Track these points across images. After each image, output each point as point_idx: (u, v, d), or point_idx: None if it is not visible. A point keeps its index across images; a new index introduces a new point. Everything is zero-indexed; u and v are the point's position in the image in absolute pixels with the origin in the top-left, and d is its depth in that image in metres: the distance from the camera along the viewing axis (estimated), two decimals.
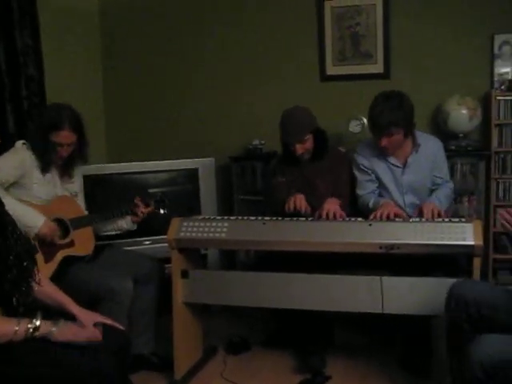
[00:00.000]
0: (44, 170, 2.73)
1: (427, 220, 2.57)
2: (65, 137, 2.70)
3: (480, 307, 1.98)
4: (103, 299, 2.65)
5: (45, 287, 1.96)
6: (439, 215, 2.66)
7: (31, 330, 1.75)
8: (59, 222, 2.74)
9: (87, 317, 1.92)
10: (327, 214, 2.71)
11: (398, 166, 2.94)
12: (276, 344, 3.17)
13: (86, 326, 1.88)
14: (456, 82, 3.71)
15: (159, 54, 4.24)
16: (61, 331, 1.80)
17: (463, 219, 2.53)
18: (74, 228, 2.77)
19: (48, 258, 2.67)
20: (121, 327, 1.97)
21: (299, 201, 2.85)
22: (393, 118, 2.74)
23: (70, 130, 2.70)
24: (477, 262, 2.36)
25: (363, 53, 3.88)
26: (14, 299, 1.78)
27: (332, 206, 2.76)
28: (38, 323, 1.76)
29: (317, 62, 3.95)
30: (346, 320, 3.21)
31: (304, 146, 2.97)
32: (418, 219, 2.58)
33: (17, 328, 1.73)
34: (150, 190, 3.24)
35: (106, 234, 3.02)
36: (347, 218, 2.68)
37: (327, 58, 3.94)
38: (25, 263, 1.83)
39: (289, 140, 2.98)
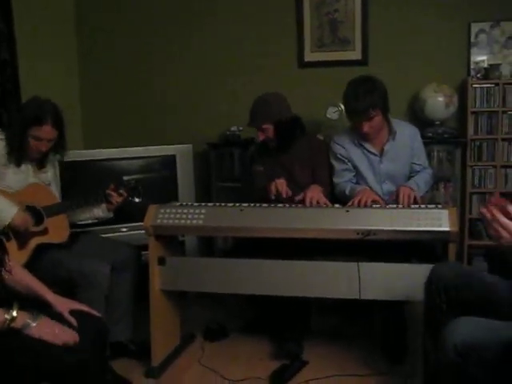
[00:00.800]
0: (18, 163, 2.69)
1: (403, 205, 2.58)
2: (46, 132, 2.66)
3: (458, 290, 2.00)
4: (80, 285, 2.62)
5: (17, 275, 1.93)
6: (415, 199, 2.68)
7: (8, 321, 1.71)
8: (32, 209, 2.71)
9: (63, 304, 1.90)
10: (311, 202, 2.71)
11: (375, 154, 2.95)
12: (254, 330, 3.18)
13: (68, 323, 1.86)
14: (433, 70, 3.73)
15: (136, 39, 4.19)
16: (39, 328, 1.75)
17: (439, 205, 2.55)
18: (48, 216, 2.73)
19: (21, 246, 2.64)
20: (97, 314, 1.94)
21: (280, 185, 2.85)
22: (369, 100, 2.75)
23: (52, 125, 2.66)
24: (452, 248, 2.38)
25: (341, 39, 3.88)
26: None
27: (315, 193, 2.76)
28: (14, 314, 1.73)
29: (295, 49, 3.95)
30: (323, 305, 3.23)
31: (264, 134, 2.99)
32: (394, 206, 2.60)
33: None
34: (127, 177, 3.19)
35: (81, 222, 2.99)
36: (324, 205, 2.68)
37: (305, 44, 3.93)
38: None
39: (250, 126, 3.03)
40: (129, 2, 4.17)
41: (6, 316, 1.72)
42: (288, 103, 3.05)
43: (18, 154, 2.67)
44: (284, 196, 2.82)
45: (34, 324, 1.74)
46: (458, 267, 2.24)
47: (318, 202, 2.71)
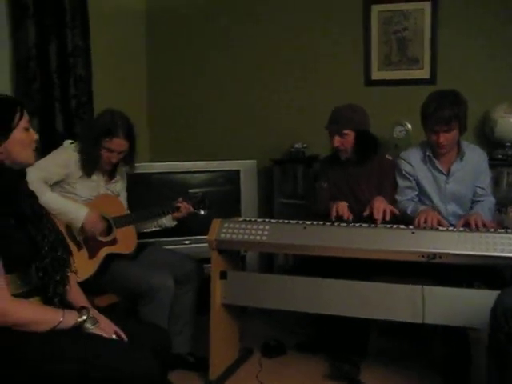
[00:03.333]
0: (88, 173, 2.78)
1: (472, 230, 2.51)
2: (118, 144, 2.74)
3: None
4: (144, 297, 2.68)
5: (72, 293, 1.99)
6: (485, 226, 2.60)
7: (79, 323, 1.81)
8: (102, 219, 2.79)
9: (109, 327, 1.92)
10: (378, 211, 2.69)
11: (442, 173, 2.89)
12: (311, 349, 3.15)
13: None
14: (504, 90, 3.62)
15: (204, 54, 4.26)
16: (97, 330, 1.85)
17: (509, 230, 2.47)
18: (117, 226, 2.81)
19: (92, 255, 2.72)
20: (125, 338, 1.92)
21: (341, 208, 2.83)
22: (453, 111, 2.72)
23: (124, 138, 2.74)
24: None
25: (409, 58, 3.82)
26: (50, 289, 1.82)
27: (382, 203, 2.74)
28: (84, 317, 1.83)
29: (362, 66, 3.92)
30: (382, 327, 3.17)
31: (342, 141, 2.97)
32: (462, 229, 2.53)
33: (61, 319, 1.77)
34: (191, 190, 3.26)
35: (145, 231, 3.06)
36: (388, 225, 2.63)
37: (373, 62, 3.89)
38: (59, 253, 1.87)
39: (329, 129, 2.99)
40: (199, 17, 4.25)
41: (79, 319, 1.82)
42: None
43: (91, 165, 2.76)
44: (345, 218, 2.80)
45: (93, 327, 1.84)
46: None
47: (384, 212, 2.66)
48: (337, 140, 2.97)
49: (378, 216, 2.71)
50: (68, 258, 1.93)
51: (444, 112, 2.72)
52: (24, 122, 1.86)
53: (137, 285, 2.69)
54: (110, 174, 2.91)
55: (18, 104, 1.88)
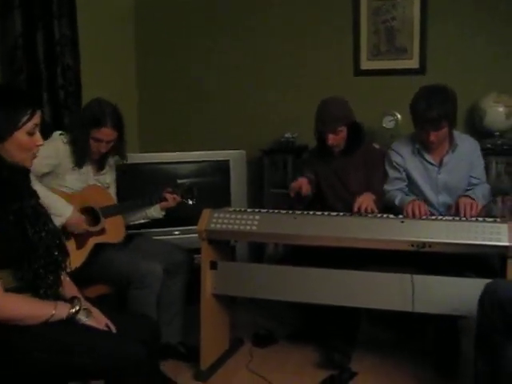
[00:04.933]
0: (78, 164, 2.76)
1: (461, 219, 2.52)
2: (106, 134, 2.72)
3: None
4: (133, 283, 2.68)
5: (64, 285, 1.97)
6: (473, 209, 2.60)
7: (72, 314, 1.82)
8: (90, 210, 2.78)
9: (100, 318, 1.92)
10: (359, 208, 2.68)
11: (433, 165, 2.90)
12: (302, 338, 3.17)
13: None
14: (493, 79, 3.64)
15: (193, 44, 4.24)
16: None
17: (498, 219, 2.49)
18: (105, 216, 2.80)
19: (80, 245, 2.72)
20: (113, 329, 1.92)
21: (299, 183, 2.86)
22: (442, 111, 2.70)
23: (112, 127, 2.73)
24: (511, 264, 2.32)
25: (398, 47, 3.82)
26: (41, 290, 1.81)
27: (366, 200, 2.73)
28: (77, 308, 1.84)
29: (351, 56, 3.91)
30: (372, 315, 3.19)
31: (336, 138, 2.96)
32: (451, 218, 2.55)
33: (54, 312, 1.77)
34: (180, 181, 3.25)
35: (134, 223, 3.05)
36: (378, 214, 2.65)
37: (362, 52, 3.89)
38: (54, 256, 1.86)
39: (322, 129, 2.97)
40: (189, 6, 4.23)
41: (72, 310, 1.82)
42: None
43: (81, 155, 2.75)
44: (303, 194, 2.83)
45: (86, 319, 1.85)
46: None
47: (365, 209, 2.68)
48: (331, 138, 2.96)
49: (357, 209, 2.69)
50: (64, 260, 1.91)
51: (433, 112, 2.69)
52: (30, 126, 1.77)
53: (125, 271, 2.69)
54: (99, 165, 2.90)
55: (30, 103, 1.80)
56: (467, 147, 2.92)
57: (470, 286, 2.39)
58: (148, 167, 3.52)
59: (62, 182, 2.74)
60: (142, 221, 3.06)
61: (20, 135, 1.76)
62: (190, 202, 3.03)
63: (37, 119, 1.80)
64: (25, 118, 1.76)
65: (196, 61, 4.25)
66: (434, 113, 2.69)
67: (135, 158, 3.45)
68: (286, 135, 3.86)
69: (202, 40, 4.22)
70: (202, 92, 4.26)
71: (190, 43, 4.25)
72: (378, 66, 3.87)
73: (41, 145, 1.85)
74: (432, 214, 2.70)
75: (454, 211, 2.68)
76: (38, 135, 1.82)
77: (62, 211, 2.61)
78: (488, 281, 2.12)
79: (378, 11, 3.83)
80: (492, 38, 3.65)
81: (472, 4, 3.66)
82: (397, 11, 3.80)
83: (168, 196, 2.97)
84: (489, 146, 3.47)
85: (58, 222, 2.57)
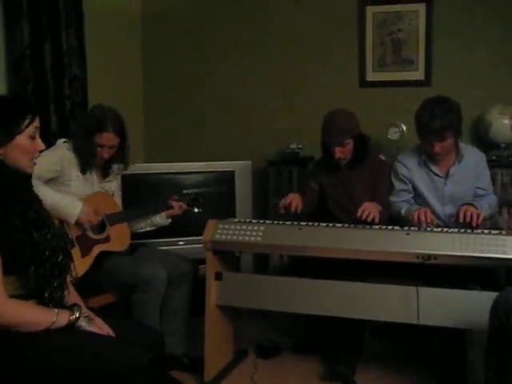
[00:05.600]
0: (83, 170, 2.78)
1: (466, 231, 2.51)
2: (108, 139, 2.74)
3: None
4: (137, 286, 2.68)
5: (70, 296, 1.98)
6: (478, 217, 2.60)
7: (72, 321, 1.81)
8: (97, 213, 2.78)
9: (102, 325, 1.92)
10: (362, 213, 2.69)
11: (439, 176, 2.90)
12: (306, 350, 3.15)
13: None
14: (499, 92, 3.64)
15: (198, 55, 4.26)
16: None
17: (503, 231, 2.48)
18: (111, 224, 2.81)
19: (84, 253, 2.72)
20: (112, 334, 1.93)
21: (290, 199, 2.87)
22: (445, 121, 2.71)
23: (114, 132, 2.75)
24: None
25: (404, 59, 3.83)
26: (46, 294, 1.82)
27: (371, 207, 2.74)
28: (77, 315, 1.83)
29: (356, 68, 3.92)
30: (377, 327, 3.17)
31: (343, 150, 2.96)
32: (456, 230, 2.53)
33: (55, 319, 1.78)
34: (186, 191, 3.26)
35: (139, 231, 3.05)
36: (383, 226, 2.64)
37: (367, 63, 3.90)
38: (59, 259, 1.86)
39: (329, 141, 2.96)
40: (195, 19, 4.26)
41: (72, 317, 1.82)
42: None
43: (86, 161, 2.76)
44: (293, 210, 2.83)
45: (87, 325, 1.85)
46: None
47: (368, 216, 2.67)
48: (338, 151, 2.96)
49: (360, 213, 2.71)
50: (68, 263, 1.92)
51: (436, 123, 2.70)
52: (31, 130, 1.82)
53: (129, 276, 2.69)
54: (104, 172, 2.90)
55: (31, 110, 1.84)
56: (473, 158, 2.92)
57: (475, 298, 2.38)
58: (154, 177, 3.52)
59: (67, 189, 2.75)
60: (149, 228, 3.07)
61: (22, 139, 1.81)
62: (196, 210, 3.05)
63: (37, 123, 1.85)
64: (26, 122, 1.81)
65: (202, 72, 4.27)
66: (438, 123, 2.70)
67: (141, 168, 3.47)
68: (292, 146, 3.86)
69: (208, 51, 4.24)
70: (207, 103, 4.28)
71: (197, 54, 4.27)
72: (384, 78, 3.88)
73: (42, 149, 1.89)
74: (438, 226, 2.69)
75: (454, 219, 2.68)
76: (39, 140, 1.87)
77: (72, 206, 2.62)
78: (493, 293, 2.10)
79: (384, 23, 3.84)
80: (497, 51, 3.66)
81: (478, 16, 3.67)
82: (403, 23, 3.81)
83: (174, 204, 2.98)
84: (494, 157, 3.46)
85: (71, 217, 2.58)
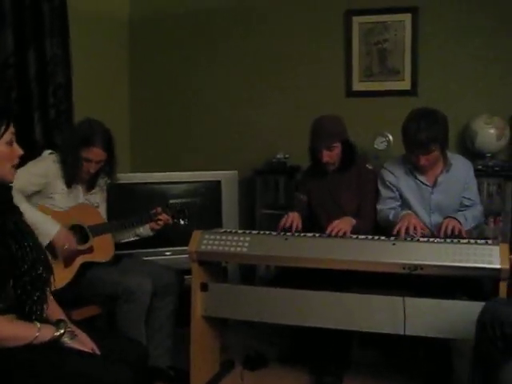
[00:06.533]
0: (69, 183, 2.75)
1: (453, 241, 2.50)
2: (95, 154, 2.72)
3: None
4: (121, 299, 2.65)
5: (49, 308, 1.93)
6: (460, 233, 2.59)
7: (57, 337, 1.77)
8: (79, 228, 2.75)
9: (86, 340, 1.89)
10: (332, 231, 2.66)
11: (426, 185, 2.90)
12: (293, 360, 3.13)
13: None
14: (484, 101, 3.66)
15: (185, 65, 4.26)
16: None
17: (489, 241, 2.48)
18: (94, 235, 2.78)
19: (67, 264, 2.69)
20: (97, 352, 1.88)
21: (291, 219, 2.83)
22: (431, 134, 2.71)
23: (102, 147, 2.72)
24: (503, 287, 2.30)
25: (390, 69, 3.84)
26: (27, 307, 1.78)
27: (342, 224, 2.71)
28: (62, 330, 1.79)
29: (343, 78, 3.93)
30: (364, 337, 3.16)
31: (331, 154, 2.96)
32: (442, 240, 2.53)
33: (37, 334, 1.74)
34: (172, 201, 3.24)
35: (123, 241, 3.02)
36: (369, 236, 2.63)
37: (354, 73, 3.91)
38: (39, 272, 1.82)
39: (317, 145, 2.96)
40: (182, 29, 4.25)
41: (56, 333, 1.77)
42: None
43: (72, 175, 2.73)
44: (293, 230, 2.79)
45: (70, 342, 1.80)
46: None
47: (337, 233, 2.65)
48: (326, 155, 2.96)
49: (330, 231, 2.67)
50: (48, 276, 1.88)
51: (422, 136, 2.70)
52: (8, 136, 1.78)
53: (114, 287, 2.66)
54: (89, 185, 2.88)
55: (5, 116, 1.80)
56: (461, 167, 2.93)
57: (462, 308, 2.38)
58: (139, 187, 3.50)
59: (51, 201, 2.72)
60: (132, 238, 3.03)
61: (0, 146, 1.77)
62: (182, 222, 3.02)
63: (12, 129, 1.81)
64: (2, 129, 1.77)
65: (188, 82, 4.26)
66: (423, 136, 2.70)
67: (126, 178, 3.44)
68: (278, 156, 3.85)
69: (193, 62, 4.23)
70: (193, 112, 4.27)
71: (182, 65, 4.26)
72: (370, 88, 3.89)
73: (21, 154, 1.85)
74: (424, 235, 2.68)
75: (437, 232, 2.68)
76: (16, 145, 1.83)
77: (48, 230, 2.58)
78: (480, 303, 2.09)
79: (370, 33, 3.86)
80: (483, 60, 3.68)
81: (463, 27, 3.69)
82: (389, 33, 3.83)
83: (160, 217, 2.95)
84: (480, 167, 3.47)
85: (45, 240, 2.54)
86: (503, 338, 1.92)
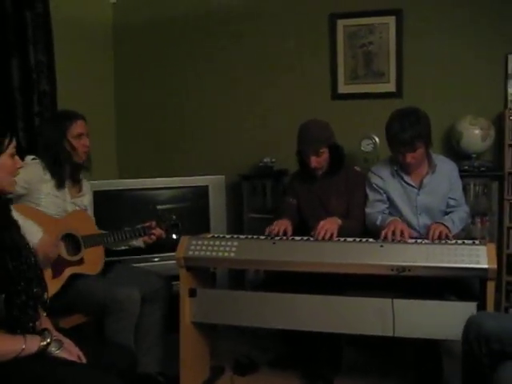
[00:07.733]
0: (59, 184, 2.73)
1: (440, 241, 2.52)
2: (82, 126, 2.78)
3: (504, 344, 1.89)
4: (110, 311, 2.62)
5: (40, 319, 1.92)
6: (447, 237, 2.61)
7: (43, 347, 1.75)
8: (71, 237, 2.73)
9: (73, 349, 1.87)
10: (319, 232, 2.66)
11: (413, 187, 2.91)
12: (284, 365, 3.12)
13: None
14: (469, 102, 3.68)
15: (171, 70, 4.25)
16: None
17: (476, 241, 2.49)
18: (86, 246, 2.74)
19: (56, 274, 2.65)
20: (84, 361, 1.87)
21: (278, 227, 2.81)
22: (414, 131, 2.73)
23: (83, 120, 2.80)
24: (491, 286, 2.31)
25: (376, 72, 3.86)
26: (20, 325, 1.76)
27: (329, 224, 2.71)
28: (48, 340, 1.77)
29: (329, 80, 3.95)
30: (354, 340, 3.16)
31: (319, 160, 2.96)
32: (430, 241, 2.54)
33: (24, 346, 1.71)
34: (160, 207, 3.22)
35: (115, 249, 3.00)
36: (357, 239, 2.63)
37: (339, 76, 3.93)
38: (35, 290, 1.81)
39: (305, 151, 2.96)
40: (167, 36, 4.24)
41: (43, 343, 1.75)
42: None
43: (57, 175, 2.72)
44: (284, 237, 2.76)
45: (58, 351, 1.79)
46: (500, 318, 2.15)
47: (324, 236, 2.65)
48: (314, 160, 2.95)
49: (318, 235, 2.67)
50: (42, 294, 1.87)
51: (405, 134, 2.73)
52: (11, 148, 1.82)
53: (102, 298, 2.63)
54: (76, 185, 2.85)
55: (8, 128, 1.84)
56: (446, 168, 2.95)
57: (451, 308, 2.39)
58: (127, 193, 3.49)
59: (38, 206, 2.68)
60: (123, 248, 3.01)
61: (5, 158, 1.81)
62: (175, 237, 2.99)
63: (14, 141, 1.84)
64: (6, 142, 1.80)
65: (174, 88, 4.25)
66: (407, 134, 2.73)
67: (114, 184, 3.43)
68: (265, 160, 3.85)
69: (179, 67, 4.23)
70: (179, 118, 4.26)
71: (167, 71, 4.26)
72: (356, 90, 3.91)
73: (21, 167, 1.88)
74: (412, 237, 2.69)
75: (425, 235, 2.69)
76: (17, 158, 1.87)
77: (30, 237, 2.54)
78: (469, 303, 2.10)
79: (355, 36, 3.87)
80: (468, 62, 3.71)
81: (447, 29, 3.72)
82: (374, 36, 3.85)
83: (153, 231, 2.92)
84: (466, 167, 3.49)
85: None
86: (489, 354, 1.91)
